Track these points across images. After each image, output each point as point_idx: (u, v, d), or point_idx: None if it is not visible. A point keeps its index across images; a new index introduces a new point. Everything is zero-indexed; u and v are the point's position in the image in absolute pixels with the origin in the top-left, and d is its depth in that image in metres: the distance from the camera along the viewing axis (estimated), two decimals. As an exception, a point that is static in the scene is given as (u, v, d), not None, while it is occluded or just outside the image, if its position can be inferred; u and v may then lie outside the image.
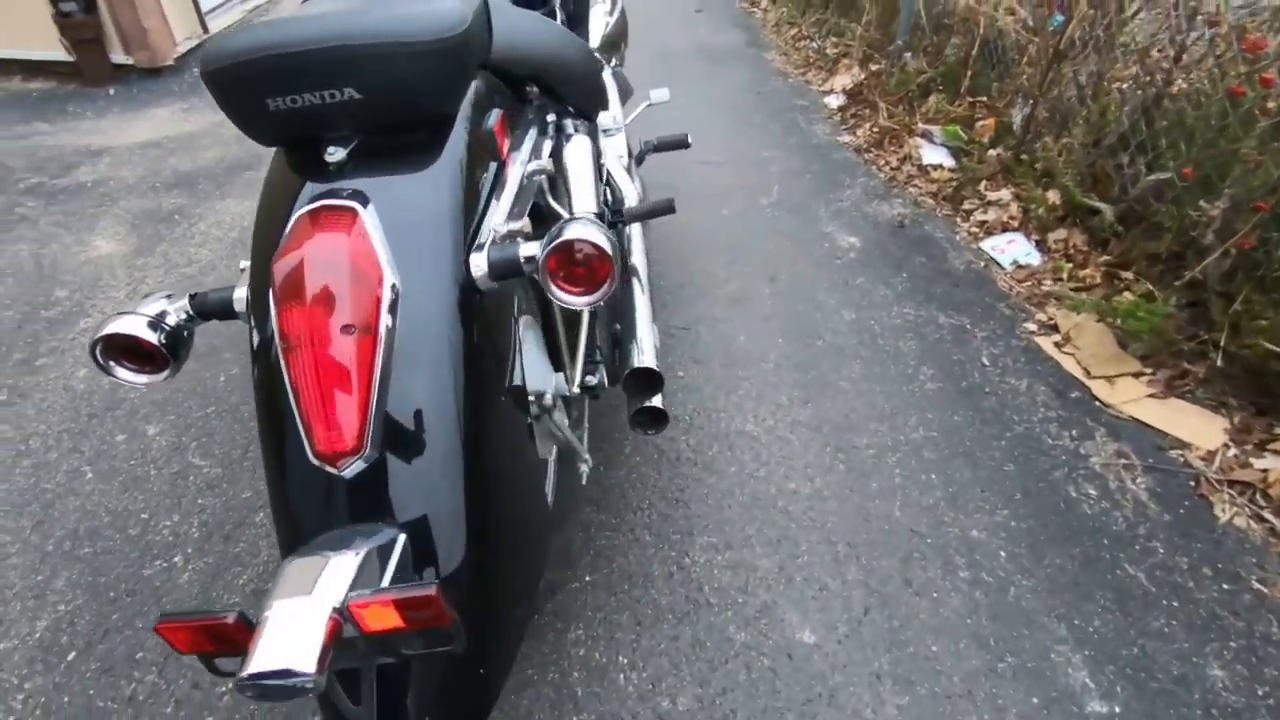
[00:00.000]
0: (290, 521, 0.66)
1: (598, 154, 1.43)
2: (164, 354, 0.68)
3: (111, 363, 0.69)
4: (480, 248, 0.69)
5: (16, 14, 2.82)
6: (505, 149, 0.86)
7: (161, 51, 3.09)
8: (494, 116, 0.85)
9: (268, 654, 0.50)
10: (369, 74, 0.66)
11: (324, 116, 0.68)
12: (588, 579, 1.27)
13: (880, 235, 2.33)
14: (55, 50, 2.91)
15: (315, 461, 0.62)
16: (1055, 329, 1.90)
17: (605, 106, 1.30)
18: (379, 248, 0.65)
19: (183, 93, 3.10)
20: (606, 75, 1.89)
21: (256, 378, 0.68)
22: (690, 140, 2.04)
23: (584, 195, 1.14)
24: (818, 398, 1.67)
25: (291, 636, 0.51)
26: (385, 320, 0.63)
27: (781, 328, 1.89)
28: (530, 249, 0.68)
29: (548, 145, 1.06)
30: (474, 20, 0.74)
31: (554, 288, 0.68)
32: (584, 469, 1.17)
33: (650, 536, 1.35)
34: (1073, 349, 1.84)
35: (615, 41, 1.78)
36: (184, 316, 0.71)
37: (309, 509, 0.65)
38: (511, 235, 0.75)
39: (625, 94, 2.16)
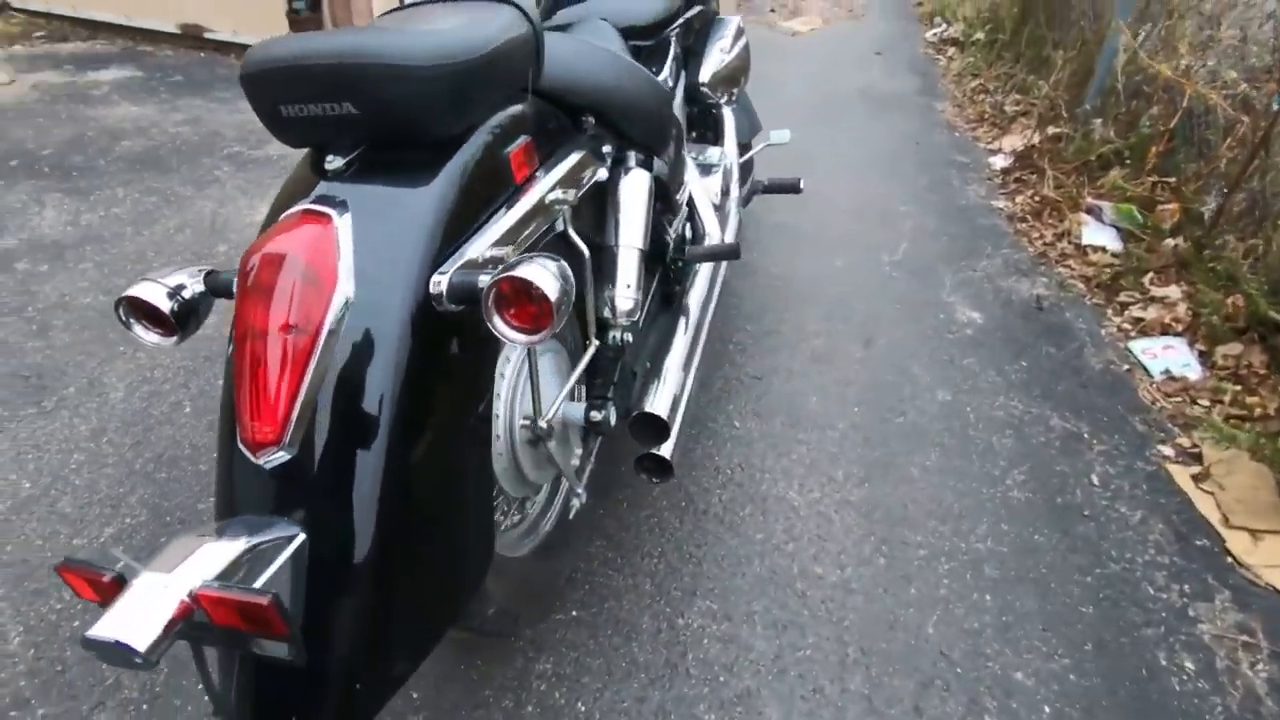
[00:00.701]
0: (217, 499, 0.70)
1: (680, 187, 1.41)
2: (173, 322, 0.74)
3: (131, 320, 0.76)
4: (444, 271, 0.69)
5: (255, 6, 3.30)
6: (524, 175, 0.86)
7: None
8: (517, 143, 0.85)
9: (112, 622, 0.52)
10: (364, 92, 0.68)
11: (326, 127, 0.72)
12: (574, 614, 1.24)
13: (1009, 315, 2.09)
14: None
15: (241, 448, 0.65)
16: (1197, 459, 1.61)
17: (672, 143, 1.28)
18: (341, 256, 0.67)
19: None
20: (727, 112, 1.87)
21: (226, 359, 0.72)
22: (803, 185, 1.96)
23: (631, 230, 1.12)
24: (878, 480, 1.52)
25: (139, 611, 0.53)
26: (329, 326, 0.65)
27: (861, 396, 1.75)
28: (487, 278, 0.67)
29: (598, 175, 1.06)
30: (489, 53, 0.74)
31: (496, 320, 0.66)
32: (575, 503, 1.14)
33: (650, 586, 1.29)
34: (1214, 487, 1.54)
35: (733, 77, 1.74)
36: (198, 291, 0.77)
37: (231, 492, 0.68)
38: (492, 261, 0.75)
39: (750, 130, 2.12)
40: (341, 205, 0.69)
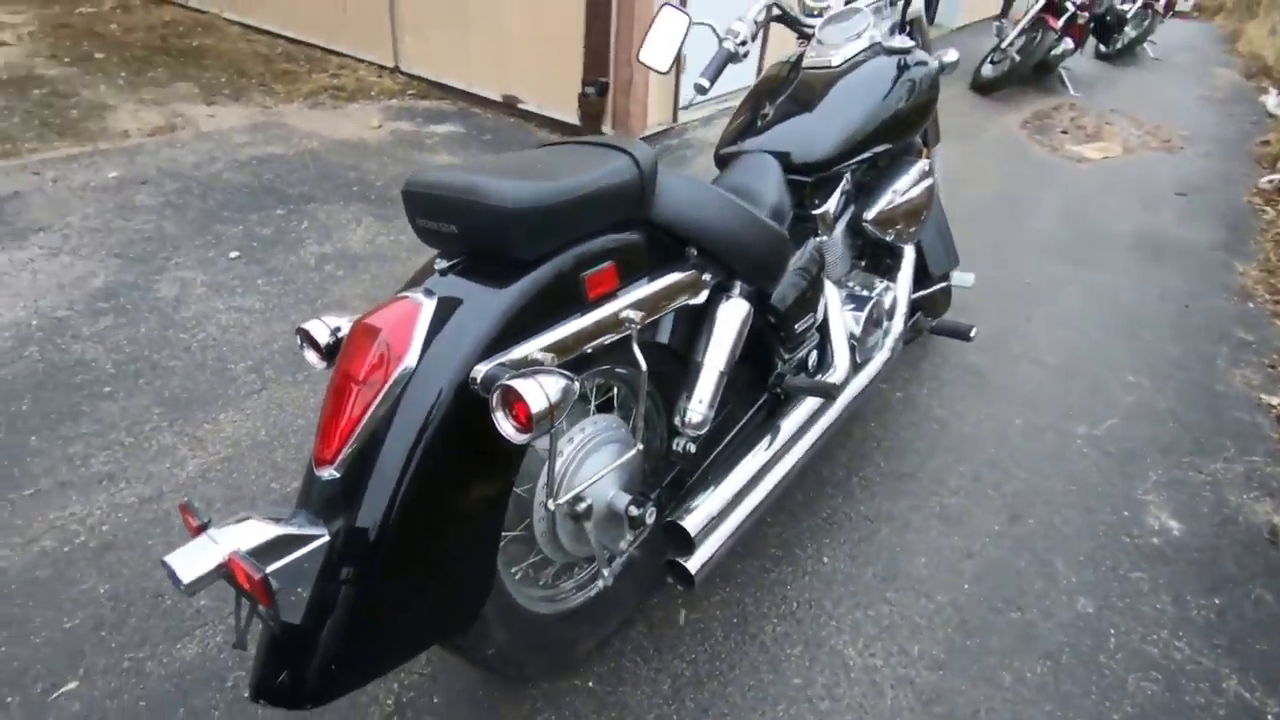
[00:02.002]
0: (300, 490, 0.93)
1: (803, 318, 1.46)
2: (324, 353, 1.01)
3: (303, 344, 1.05)
4: (487, 363, 0.86)
5: (557, 88, 3.97)
6: (600, 293, 1.01)
7: (633, 130, 3.98)
8: (598, 267, 1.01)
9: (179, 555, 0.76)
10: (462, 219, 0.89)
11: (441, 239, 0.93)
12: (590, 685, 1.32)
13: (1222, 538, 1.74)
14: (569, 115, 4.00)
15: (313, 458, 0.87)
16: None
17: (776, 279, 1.32)
18: (415, 336, 0.87)
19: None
20: (907, 250, 1.85)
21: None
22: (974, 335, 1.85)
23: (716, 352, 1.21)
24: (956, 671, 1.38)
25: (196, 554, 0.76)
26: (388, 387, 0.85)
27: (979, 573, 1.59)
28: (510, 378, 0.82)
29: (694, 299, 1.17)
30: (576, 197, 0.91)
31: (498, 414, 0.81)
32: (599, 584, 1.23)
33: (669, 688, 1.32)
34: None
35: (906, 218, 1.72)
36: (346, 334, 1.04)
37: (303, 488, 0.90)
38: (534, 362, 0.90)
39: (945, 263, 2.05)
40: (432, 296, 0.90)
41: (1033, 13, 5.51)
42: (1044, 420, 2.10)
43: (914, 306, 2.04)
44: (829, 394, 1.40)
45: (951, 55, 1.91)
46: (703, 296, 1.20)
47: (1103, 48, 7.25)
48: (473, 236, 0.91)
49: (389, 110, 4.28)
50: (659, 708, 1.28)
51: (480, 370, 0.86)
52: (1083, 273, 3.02)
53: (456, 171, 0.92)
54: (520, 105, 4.27)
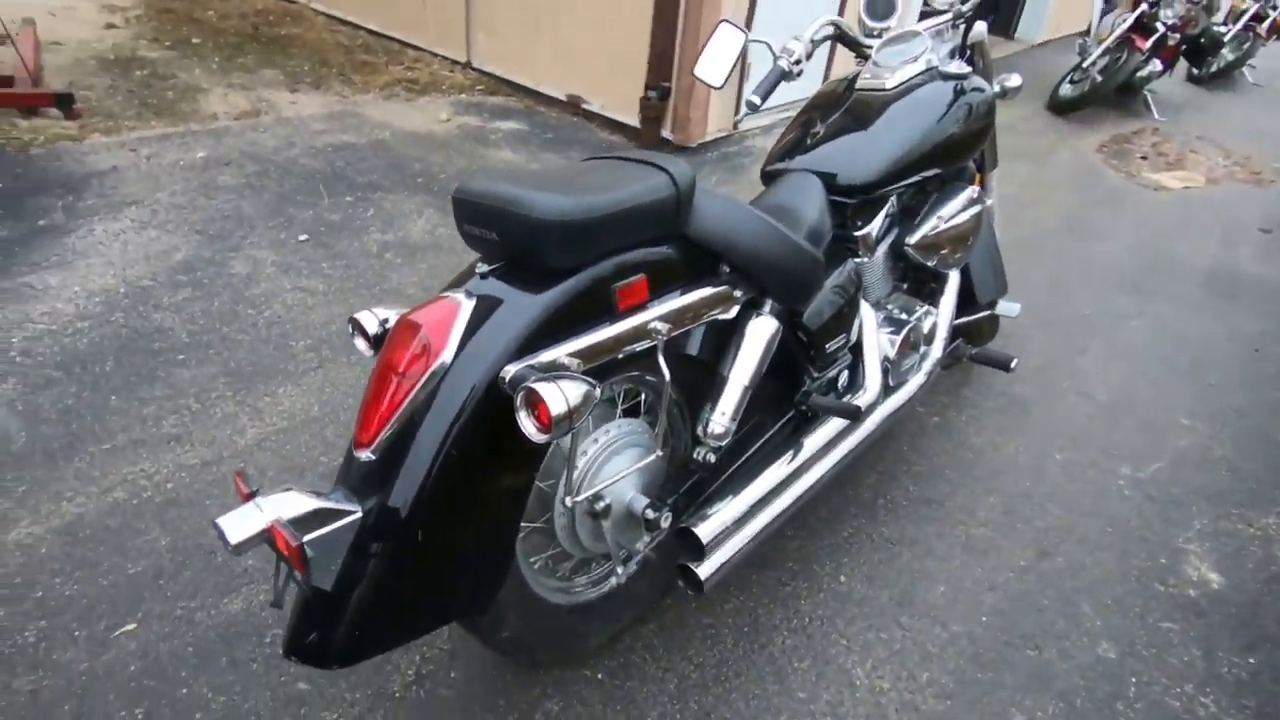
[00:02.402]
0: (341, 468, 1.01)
1: (835, 337, 1.48)
2: (372, 342, 1.09)
3: (354, 333, 1.13)
4: (516, 364, 0.92)
5: (620, 90, 4.04)
6: (629, 304, 1.05)
7: (692, 136, 4.01)
8: (629, 279, 1.05)
9: (229, 517, 0.84)
10: (501, 227, 0.94)
11: (483, 244, 0.99)
12: (599, 677, 1.37)
13: (1267, 594, 1.68)
14: (630, 118, 4.06)
15: (353, 440, 0.95)
16: None
17: (806, 299, 1.34)
18: (453, 334, 0.93)
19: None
20: (952, 275, 1.84)
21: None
22: (1014, 366, 1.83)
23: (743, 367, 1.24)
24: (964, 703, 1.37)
25: (243, 519, 0.84)
26: (424, 380, 0.91)
27: (999, 607, 1.57)
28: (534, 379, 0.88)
29: (724, 313, 1.20)
30: (610, 213, 0.96)
31: (522, 414, 0.87)
32: (612, 581, 1.28)
33: (675, 688, 1.36)
34: None
35: (950, 244, 1.71)
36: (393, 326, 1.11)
37: (344, 467, 0.98)
38: (561, 366, 0.95)
39: (993, 291, 2.03)
40: (471, 297, 0.96)
41: (1119, 31, 5.30)
42: (1086, 457, 2.05)
43: (955, 332, 2.02)
44: (853, 416, 1.41)
45: (1014, 80, 1.89)
46: (733, 312, 1.23)
47: (1195, 71, 6.89)
48: (511, 244, 0.96)
49: (458, 105, 4.43)
50: (663, 705, 1.33)
51: (510, 370, 0.92)
52: (1147, 307, 2.92)
53: (501, 183, 0.97)
54: (584, 106, 4.35)
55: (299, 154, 3.46)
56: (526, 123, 4.29)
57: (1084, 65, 5.44)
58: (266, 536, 0.85)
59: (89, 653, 1.30)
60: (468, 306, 0.96)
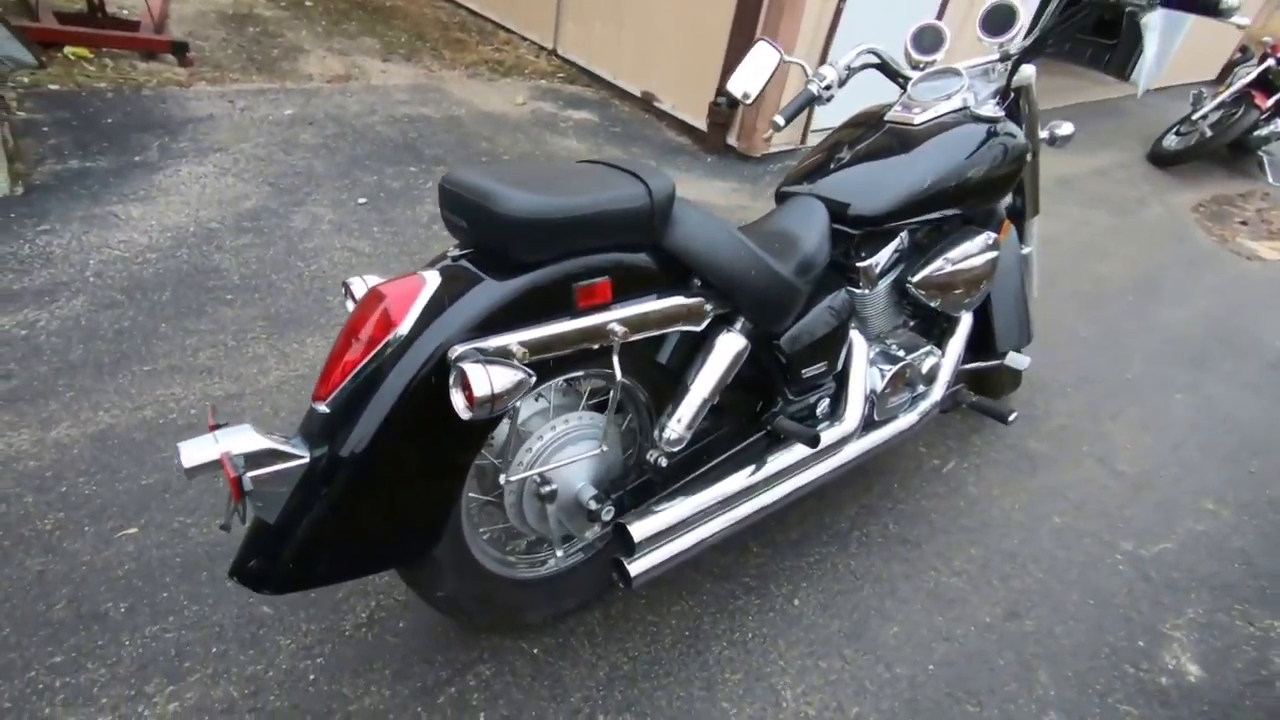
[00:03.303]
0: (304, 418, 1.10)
1: (813, 365, 1.49)
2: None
3: (346, 295, 1.22)
4: (464, 344, 0.99)
5: (692, 93, 4.08)
6: (589, 304, 1.11)
7: (756, 146, 4.01)
8: (592, 280, 1.11)
9: (189, 444, 0.94)
10: (471, 217, 1.01)
11: (457, 230, 1.06)
12: (535, 652, 1.43)
13: (1249, 693, 1.60)
14: (699, 121, 4.09)
15: (314, 391, 1.04)
16: None
17: (781, 321, 1.35)
18: (414, 308, 1.01)
19: (747, 177, 3.94)
20: (965, 318, 1.81)
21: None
22: (1013, 419, 1.79)
23: (704, 379, 1.28)
24: (888, 744, 1.37)
25: (201, 447, 0.94)
26: (380, 347, 0.99)
27: (949, 658, 1.55)
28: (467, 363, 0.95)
29: (689, 325, 1.24)
30: (574, 216, 1.01)
31: (454, 391, 0.94)
32: (551, 563, 1.34)
33: (604, 674, 1.41)
34: None
35: (957, 288, 1.67)
36: None
37: (306, 417, 1.07)
38: (508, 352, 1.02)
39: (1015, 340, 1.98)
40: (436, 277, 1.04)
41: (1238, 86, 4.96)
42: (1087, 526, 1.97)
43: (968, 377, 1.99)
44: (812, 442, 1.42)
45: (1066, 128, 1.84)
46: (703, 325, 1.26)
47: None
48: (479, 234, 1.03)
49: (536, 90, 4.56)
50: (589, 690, 1.38)
51: (458, 349, 0.99)
52: (1202, 381, 2.75)
53: (482, 176, 1.04)
54: (656, 104, 4.41)
55: (377, 121, 3.65)
56: (598, 114, 4.38)
57: (1194, 117, 5.12)
58: (217, 466, 0.95)
59: (93, 547, 1.46)
60: (432, 285, 1.03)
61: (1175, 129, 5.30)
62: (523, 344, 1.04)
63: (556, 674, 1.40)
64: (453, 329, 1.00)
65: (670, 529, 1.28)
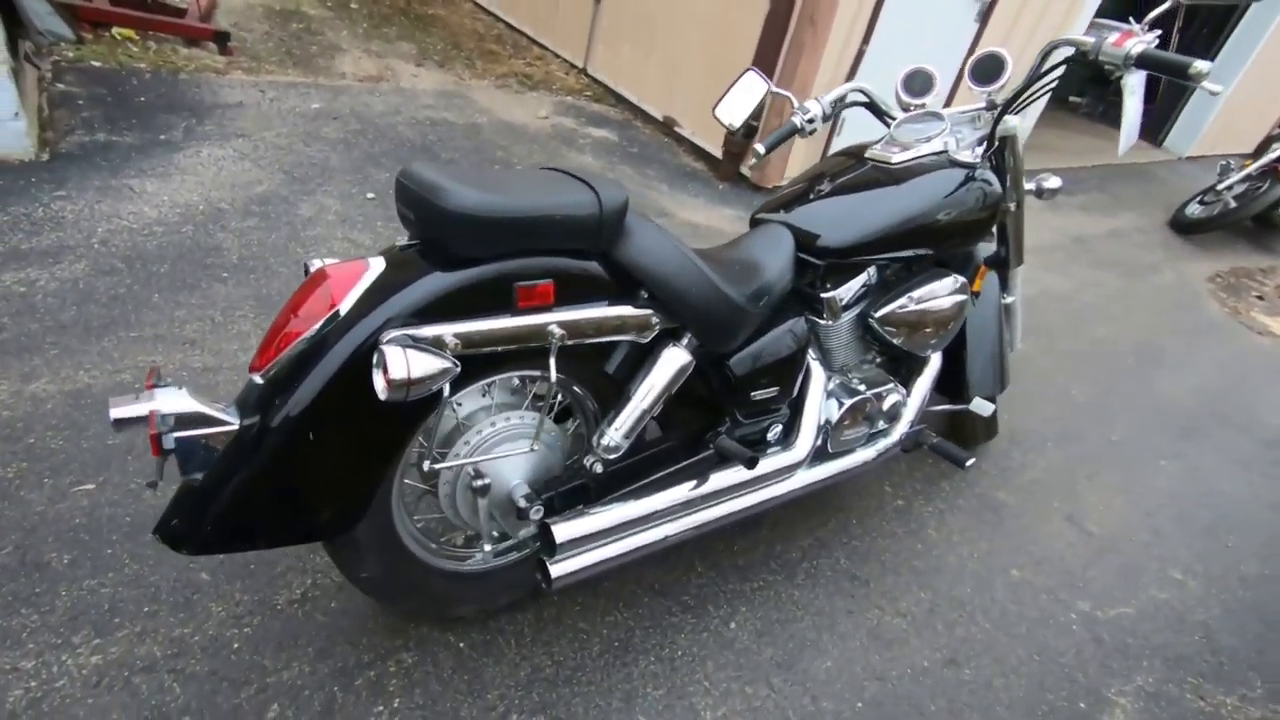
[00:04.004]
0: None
1: (764, 389, 1.50)
2: None
3: (306, 274, 1.26)
4: (396, 329, 1.02)
5: (711, 121, 4.10)
6: (529, 305, 1.14)
7: (768, 178, 4.05)
8: (534, 282, 1.14)
9: (119, 399, 0.98)
10: (418, 211, 1.05)
11: (407, 221, 1.10)
12: (460, 645, 1.44)
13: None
14: (715, 149, 4.15)
15: (251, 363, 1.08)
16: None
17: (728, 343, 1.37)
18: (354, 291, 1.04)
19: (755, 206, 3.99)
20: (934, 359, 1.82)
21: None
22: (969, 465, 1.78)
23: (644, 391, 1.30)
24: (800, 777, 1.36)
25: (133, 404, 0.98)
26: (317, 325, 1.03)
27: (880, 700, 1.54)
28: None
29: (631, 335, 1.25)
30: (516, 218, 1.04)
31: (376, 371, 0.97)
32: (478, 556, 1.35)
33: (525, 675, 1.42)
34: None
35: (918, 328, 1.68)
36: None
37: (245, 386, 1.10)
38: (440, 342, 1.05)
39: (988, 386, 1.98)
40: (381, 264, 1.08)
41: (1266, 160, 4.92)
42: (1044, 582, 1.94)
43: (929, 419, 1.98)
44: (749, 463, 1.43)
45: (1053, 182, 1.85)
46: (649, 338, 1.29)
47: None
48: (424, 227, 1.07)
49: (560, 105, 4.65)
50: (506, 688, 1.39)
51: (390, 333, 1.02)
52: (1190, 451, 2.71)
53: (434, 171, 1.07)
54: (676, 128, 4.48)
55: (400, 122, 3.76)
56: (618, 134, 4.46)
57: (1218, 187, 5.08)
58: (144, 421, 0.98)
59: (49, 499, 1.51)
60: (376, 270, 1.07)
61: (1200, 198, 5.26)
62: (457, 335, 1.07)
63: (478, 670, 1.41)
64: (390, 314, 1.04)
65: (596, 534, 1.30)
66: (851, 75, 3.87)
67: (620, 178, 3.87)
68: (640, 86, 4.72)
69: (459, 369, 1.03)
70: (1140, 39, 1.44)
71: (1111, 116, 8.04)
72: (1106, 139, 7.40)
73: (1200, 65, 1.31)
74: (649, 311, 1.26)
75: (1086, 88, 8.35)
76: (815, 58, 3.67)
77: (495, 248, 1.09)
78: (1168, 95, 7.36)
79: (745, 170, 4.16)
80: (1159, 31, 1.48)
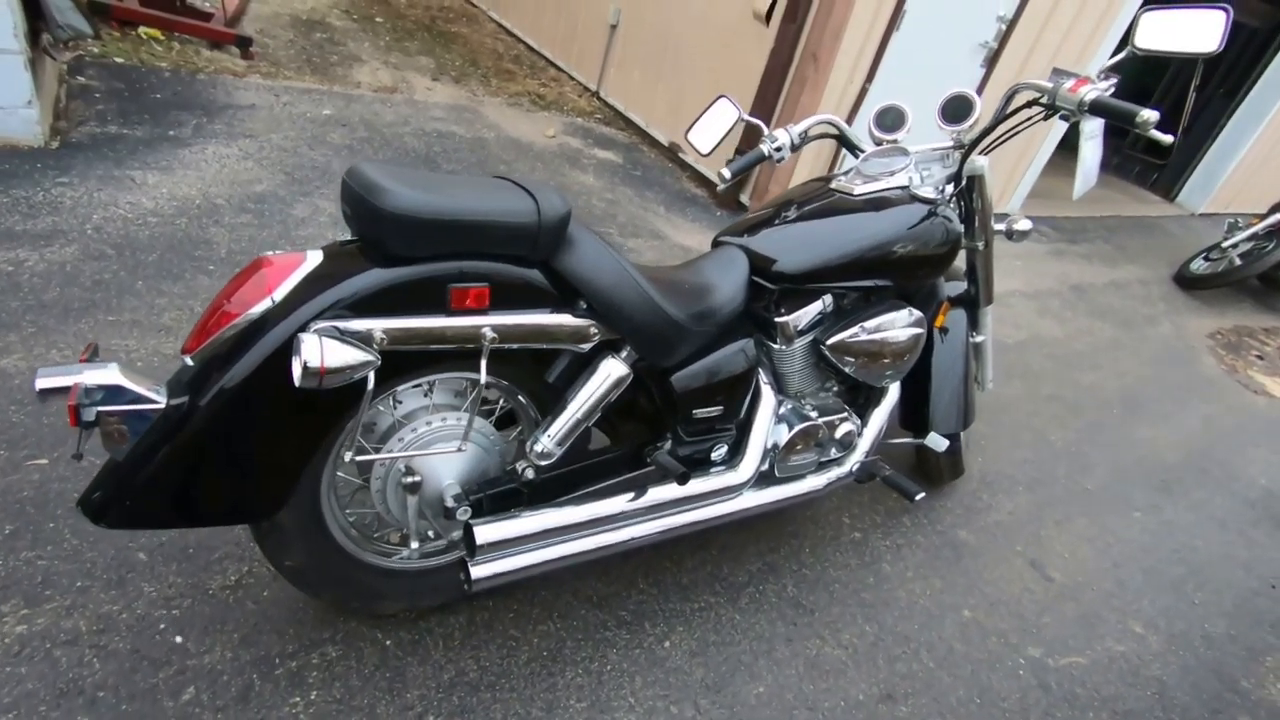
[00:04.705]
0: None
1: (708, 407, 1.51)
2: None
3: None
4: (324, 321, 1.05)
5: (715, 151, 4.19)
6: (462, 307, 1.16)
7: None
8: (468, 285, 1.16)
9: (53, 369, 1.01)
10: (354, 208, 1.07)
11: (348, 218, 1.13)
12: (388, 644, 1.45)
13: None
14: (714, 176, 4.23)
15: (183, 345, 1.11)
16: None
17: (668, 359, 1.38)
18: (290, 280, 1.07)
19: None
20: (892, 389, 1.83)
21: None
22: (919, 499, 1.78)
23: (579, 400, 1.31)
24: (714, 801, 1.34)
25: (61, 373, 1.01)
26: (248, 313, 1.06)
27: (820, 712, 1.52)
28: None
29: (570, 345, 1.28)
30: (450, 220, 1.07)
31: (294, 358, 0.99)
32: (405, 552, 1.37)
33: (449, 679, 1.42)
34: None
35: (872, 357, 1.68)
36: None
37: (180, 366, 1.14)
38: (364, 336, 1.07)
39: (954, 422, 1.97)
40: (320, 257, 1.11)
41: (1273, 220, 4.90)
42: (996, 625, 1.92)
43: (887, 450, 1.98)
44: (680, 479, 1.43)
45: (1023, 224, 1.86)
46: (587, 347, 1.30)
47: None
48: (361, 224, 1.10)
49: (569, 125, 4.74)
50: (426, 689, 1.39)
51: (317, 324, 1.05)
52: (1165, 505, 2.67)
53: (376, 170, 1.10)
54: (680, 154, 4.55)
55: (407, 132, 3.85)
56: (623, 157, 4.53)
57: (1224, 244, 5.06)
58: (67, 392, 1.01)
59: (1, 470, 1.54)
60: (313, 263, 1.10)
61: (1205, 254, 5.24)
62: (386, 331, 1.09)
63: (401, 669, 1.41)
64: (320, 305, 1.06)
65: (520, 538, 1.30)
66: (854, 113, 3.92)
67: (619, 199, 3.93)
68: (649, 111, 4.81)
69: (378, 363, 1.06)
70: (1094, 86, 1.46)
71: (1126, 168, 8.06)
72: (1116, 189, 7.41)
73: (1147, 114, 1.33)
74: (587, 321, 1.28)
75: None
76: (817, 94, 3.73)
77: (430, 248, 1.11)
78: (1183, 151, 7.36)
79: (744, 199, 4.21)
80: (1115, 79, 1.50)
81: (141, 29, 3.92)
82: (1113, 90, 1.48)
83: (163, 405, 1.06)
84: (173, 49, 3.88)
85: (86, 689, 1.23)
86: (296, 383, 0.99)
